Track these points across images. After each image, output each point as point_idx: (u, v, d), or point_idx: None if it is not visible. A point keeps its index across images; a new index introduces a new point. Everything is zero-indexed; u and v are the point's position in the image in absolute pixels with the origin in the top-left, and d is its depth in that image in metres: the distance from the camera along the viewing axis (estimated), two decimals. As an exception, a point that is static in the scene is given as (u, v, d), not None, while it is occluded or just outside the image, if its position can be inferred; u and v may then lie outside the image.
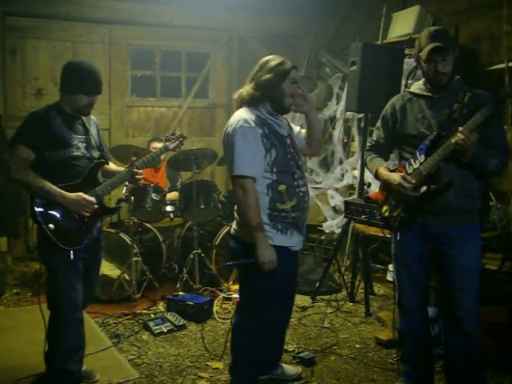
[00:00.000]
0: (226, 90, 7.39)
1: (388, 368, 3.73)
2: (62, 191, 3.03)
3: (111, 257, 5.07)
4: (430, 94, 2.98)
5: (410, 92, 3.12)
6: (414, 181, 2.92)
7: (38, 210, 3.02)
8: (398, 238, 3.11)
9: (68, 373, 3.16)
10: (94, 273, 3.45)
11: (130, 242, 4.89)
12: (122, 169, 3.38)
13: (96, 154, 3.24)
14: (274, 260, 2.87)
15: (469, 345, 2.99)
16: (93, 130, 3.28)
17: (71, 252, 3.07)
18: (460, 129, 2.73)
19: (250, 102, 2.97)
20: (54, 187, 3.02)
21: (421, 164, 2.92)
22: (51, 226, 3.01)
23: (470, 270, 2.96)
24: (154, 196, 5.22)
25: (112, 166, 3.45)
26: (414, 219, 3.00)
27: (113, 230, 5.12)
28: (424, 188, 2.90)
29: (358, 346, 4.11)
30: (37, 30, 6.23)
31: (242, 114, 2.93)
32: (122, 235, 4.99)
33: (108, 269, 4.94)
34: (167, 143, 3.64)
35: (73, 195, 3.04)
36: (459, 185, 2.87)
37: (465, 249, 2.95)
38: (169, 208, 5.48)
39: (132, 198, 5.11)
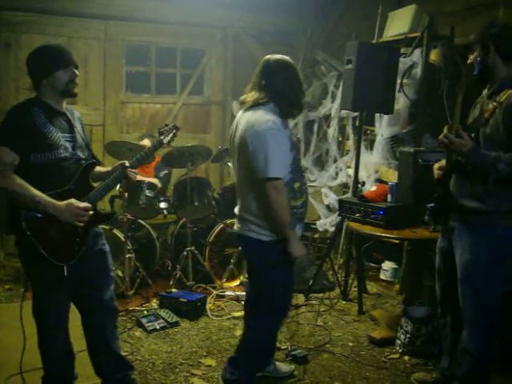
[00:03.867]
0: (221, 87, 7.37)
1: (381, 366, 3.74)
2: (53, 200, 2.69)
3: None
4: (486, 93, 2.97)
5: None
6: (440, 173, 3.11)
7: (25, 223, 2.65)
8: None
9: (56, 377, 3.04)
10: (104, 280, 3.08)
11: (123, 239, 4.88)
12: (110, 169, 3.11)
13: (83, 154, 2.92)
14: (305, 253, 3.03)
15: (462, 339, 3.03)
16: (78, 127, 2.97)
17: (65, 268, 2.76)
18: (444, 131, 2.81)
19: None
20: (45, 196, 2.67)
21: None
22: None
23: (466, 267, 2.94)
24: (147, 193, 5.22)
25: (97, 168, 3.11)
26: (438, 213, 3.13)
27: (106, 227, 5.09)
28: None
29: (351, 344, 4.12)
30: (32, 25, 6.18)
31: (268, 115, 2.87)
32: (116, 232, 4.98)
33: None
34: (161, 137, 3.30)
35: (64, 204, 2.71)
36: (466, 185, 2.90)
37: (466, 246, 2.94)
38: (163, 205, 5.47)
39: (126, 194, 5.09)
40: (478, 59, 2.88)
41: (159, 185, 5.63)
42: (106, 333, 3.14)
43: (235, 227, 3.16)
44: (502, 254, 2.89)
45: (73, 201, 2.75)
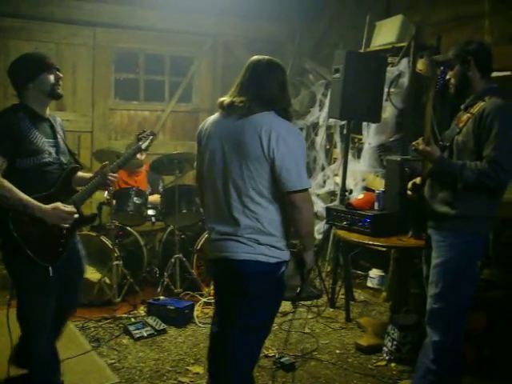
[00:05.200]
0: (209, 94, 7.39)
1: (368, 373, 3.75)
2: (40, 204, 2.78)
3: (92, 260, 5.00)
4: (463, 106, 3.09)
5: None
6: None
7: (13, 225, 2.74)
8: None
9: (41, 382, 3.04)
10: (77, 282, 3.23)
11: (111, 246, 4.87)
12: (90, 174, 3.18)
13: (65, 158, 3.02)
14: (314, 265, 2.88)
15: (429, 335, 3.07)
16: (60, 132, 3.06)
17: (50, 269, 2.85)
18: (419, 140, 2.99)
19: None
20: (32, 200, 2.76)
21: None
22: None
23: (435, 270, 3.02)
24: (136, 200, 5.21)
25: (79, 173, 3.17)
26: (417, 221, 3.25)
27: (94, 233, 5.09)
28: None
29: (338, 351, 4.13)
30: (20, 31, 6.16)
31: (288, 122, 2.60)
32: (103, 238, 4.96)
33: (89, 272, 4.88)
34: (139, 143, 3.37)
35: (51, 207, 2.80)
36: (439, 191, 3.01)
37: (437, 250, 3.02)
38: (150, 212, 5.47)
39: (114, 201, 5.09)
40: (459, 73, 3.00)
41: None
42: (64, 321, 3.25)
43: (220, 253, 2.62)
44: (470, 259, 2.99)
45: (59, 204, 2.84)
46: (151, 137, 3.43)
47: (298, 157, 2.51)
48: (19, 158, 2.78)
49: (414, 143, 3.03)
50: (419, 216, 3.21)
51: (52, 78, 2.89)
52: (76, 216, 2.91)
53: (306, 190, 2.53)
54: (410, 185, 3.27)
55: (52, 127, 2.99)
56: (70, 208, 2.88)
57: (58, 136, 3.00)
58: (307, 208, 2.55)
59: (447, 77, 3.08)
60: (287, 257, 2.67)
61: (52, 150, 2.91)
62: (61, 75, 2.95)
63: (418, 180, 3.21)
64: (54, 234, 2.87)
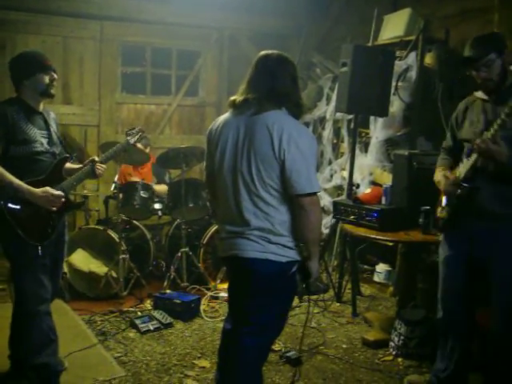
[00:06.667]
0: (216, 88, 7.38)
1: (374, 368, 3.74)
2: (29, 187, 3.01)
3: (98, 254, 5.05)
4: (486, 98, 2.96)
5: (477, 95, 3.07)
6: (453, 180, 2.99)
7: (5, 206, 2.99)
8: (441, 238, 3.20)
9: (42, 366, 3.12)
10: (60, 267, 3.48)
11: (117, 239, 4.88)
12: (80, 165, 3.40)
13: (57, 149, 3.25)
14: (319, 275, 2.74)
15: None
16: (53, 126, 3.28)
17: (39, 248, 3.07)
18: (484, 134, 2.76)
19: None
20: (22, 183, 2.99)
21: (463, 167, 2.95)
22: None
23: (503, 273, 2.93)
24: (142, 193, 5.22)
25: (69, 164, 3.39)
26: (453, 221, 3.04)
27: (101, 227, 5.10)
28: (458, 191, 2.92)
29: (344, 346, 4.12)
30: (27, 25, 6.17)
31: (299, 123, 2.58)
32: (110, 232, 4.98)
33: (95, 266, 4.93)
34: (128, 138, 3.71)
35: (40, 190, 3.02)
36: (495, 189, 2.87)
37: (507, 250, 2.92)
38: (157, 206, 5.47)
39: (120, 195, 5.09)
40: (500, 68, 2.86)
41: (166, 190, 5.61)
42: None
43: (230, 251, 2.60)
44: None
45: (48, 188, 3.07)
46: (140, 133, 3.79)
47: (308, 159, 2.47)
48: (13, 145, 3.00)
49: (476, 141, 2.76)
50: (458, 214, 3.06)
51: (47, 78, 3.10)
52: (63, 200, 3.13)
53: (315, 193, 2.50)
54: (450, 179, 3.03)
55: (45, 121, 3.21)
56: (58, 192, 3.10)
57: (51, 129, 3.23)
58: (315, 212, 2.51)
59: (483, 74, 2.87)
60: (299, 256, 2.62)
61: (44, 141, 3.14)
62: (55, 76, 3.16)
63: (457, 173, 3.00)
64: (43, 216, 3.10)
